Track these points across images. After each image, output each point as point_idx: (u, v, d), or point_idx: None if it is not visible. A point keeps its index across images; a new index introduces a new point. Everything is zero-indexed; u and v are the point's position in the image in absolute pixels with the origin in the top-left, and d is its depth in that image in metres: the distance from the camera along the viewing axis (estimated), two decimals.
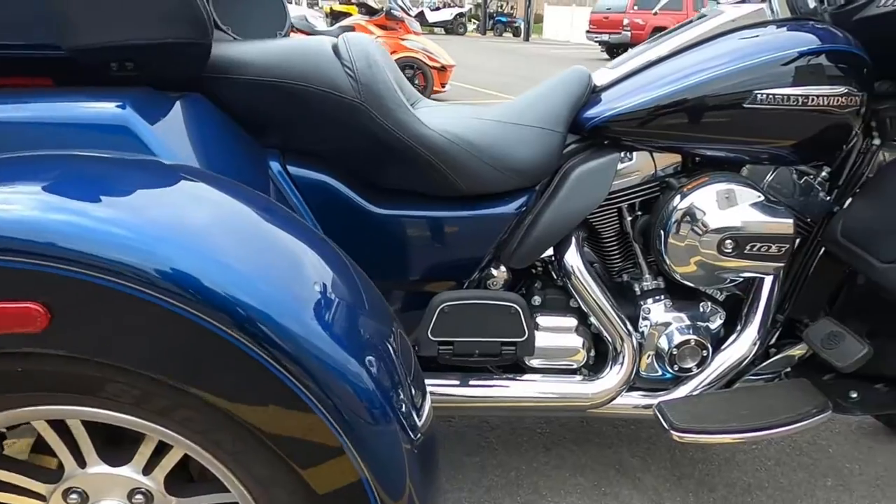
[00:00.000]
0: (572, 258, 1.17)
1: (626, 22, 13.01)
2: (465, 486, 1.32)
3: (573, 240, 1.19)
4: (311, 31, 6.93)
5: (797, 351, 1.25)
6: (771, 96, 1.03)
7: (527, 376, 1.22)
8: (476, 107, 1.22)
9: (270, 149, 1.05)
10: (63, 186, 0.68)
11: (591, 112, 1.15)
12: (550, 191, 1.16)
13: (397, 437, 0.73)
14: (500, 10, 28.87)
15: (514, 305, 1.09)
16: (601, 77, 1.21)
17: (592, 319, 1.20)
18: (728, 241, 1.10)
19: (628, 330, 1.19)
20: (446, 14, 25.72)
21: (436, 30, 25.07)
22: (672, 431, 1.12)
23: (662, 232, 1.14)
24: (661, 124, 1.10)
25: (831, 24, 1.15)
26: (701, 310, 1.23)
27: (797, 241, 1.25)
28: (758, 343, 1.21)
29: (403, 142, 1.02)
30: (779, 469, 1.41)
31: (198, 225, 0.69)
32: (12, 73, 0.87)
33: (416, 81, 6.83)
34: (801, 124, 1.06)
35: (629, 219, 1.22)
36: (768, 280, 1.22)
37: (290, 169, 1.05)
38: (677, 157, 1.18)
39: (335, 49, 1.04)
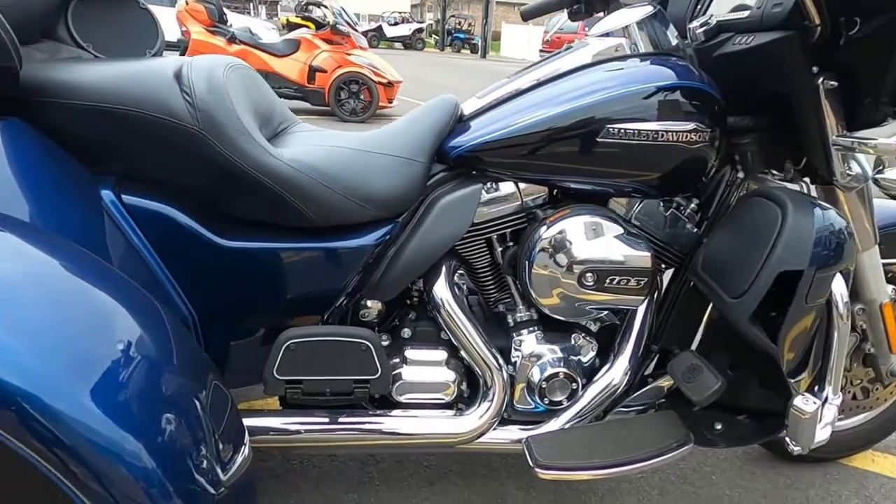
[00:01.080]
0: (441, 290, 1.15)
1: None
2: None
3: (443, 271, 1.16)
4: (254, 45, 6.83)
5: (665, 382, 1.24)
6: (622, 130, 1.03)
7: (397, 412, 1.18)
8: (345, 134, 1.19)
9: (105, 176, 0.99)
10: None
11: (455, 141, 1.13)
12: (414, 222, 1.13)
13: (190, 500, 0.68)
14: (458, 26, 29.21)
15: (365, 342, 1.05)
16: (469, 106, 1.19)
17: (462, 352, 1.17)
18: (588, 274, 1.09)
19: (498, 363, 1.17)
20: (405, 29, 25.86)
21: (395, 45, 25.18)
22: (535, 468, 1.10)
23: (526, 263, 1.12)
24: (521, 155, 1.09)
25: (694, 60, 1.17)
26: (573, 342, 1.22)
27: (664, 272, 1.25)
28: (629, 374, 1.21)
29: (246, 171, 0.97)
30: (661, 498, 1.41)
31: None
32: None
33: (362, 97, 6.80)
34: (651, 159, 1.06)
35: (499, 249, 1.20)
36: (641, 310, 1.22)
37: (126, 199, 0.99)
38: (544, 189, 1.17)
39: (178, 73, 0.99)
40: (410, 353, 1.18)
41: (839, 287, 1.03)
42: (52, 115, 0.93)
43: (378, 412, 1.16)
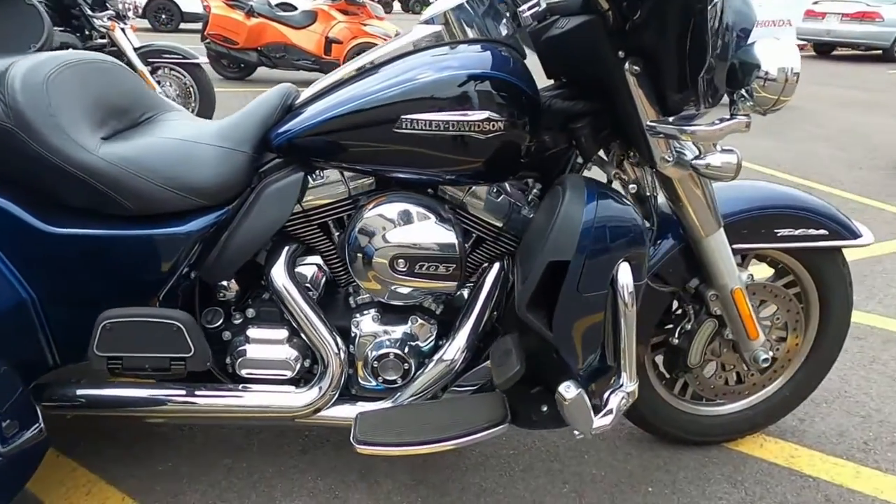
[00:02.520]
0: (277, 272, 1.21)
1: None
2: (202, 487, 1.37)
3: (282, 254, 1.22)
4: (272, 17, 6.91)
5: None
6: (414, 121, 1.05)
7: (242, 386, 1.26)
8: (189, 125, 1.25)
9: None
10: None
11: (278, 130, 1.17)
12: (244, 209, 1.18)
13: None
14: None
15: (176, 322, 1.13)
16: (303, 95, 1.22)
17: (300, 332, 1.23)
18: (399, 260, 1.13)
19: (336, 342, 1.22)
20: None
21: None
22: (354, 443, 1.16)
23: (346, 248, 1.16)
24: (333, 143, 1.12)
25: (521, 47, 1.16)
26: (409, 323, 1.25)
27: (503, 257, 1.26)
28: (465, 353, 1.23)
29: (58, 165, 1.05)
30: (523, 475, 1.45)
31: None
32: None
33: None
34: (448, 148, 1.07)
35: (336, 235, 1.24)
36: (483, 293, 1.24)
37: None
38: (371, 177, 1.19)
39: (1, 74, 1.07)
40: (252, 332, 1.25)
41: (625, 275, 1.02)
42: None
43: (219, 387, 1.24)
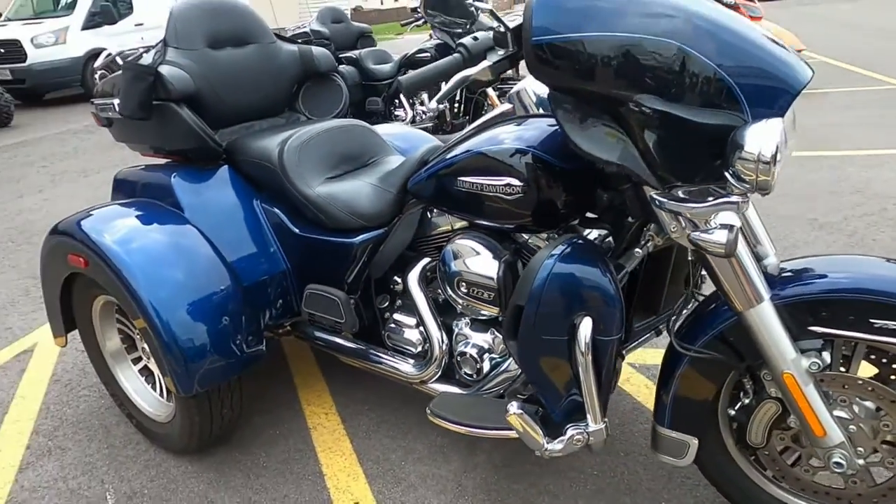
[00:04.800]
0: (412, 278, 1.69)
1: None
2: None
3: (419, 265, 1.70)
4: None
5: None
6: (464, 182, 1.38)
7: (385, 351, 1.79)
8: (382, 167, 1.83)
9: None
10: None
11: (412, 178, 1.64)
12: (392, 231, 1.71)
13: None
14: None
15: (336, 298, 1.71)
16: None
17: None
18: (461, 282, 1.48)
19: (441, 336, 1.65)
20: None
21: None
22: (427, 410, 1.57)
23: (438, 268, 1.57)
24: (433, 191, 1.52)
25: None
26: (488, 333, 1.57)
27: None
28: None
29: (294, 194, 1.77)
30: (590, 495, 1.59)
31: None
32: None
33: None
34: (486, 204, 1.35)
35: None
36: None
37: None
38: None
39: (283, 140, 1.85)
40: (397, 316, 1.77)
41: (584, 328, 1.13)
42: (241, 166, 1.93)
43: (373, 348, 1.80)
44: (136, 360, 1.98)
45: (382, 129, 2.16)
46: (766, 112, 1.02)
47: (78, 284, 1.86)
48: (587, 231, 1.39)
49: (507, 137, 1.34)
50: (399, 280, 1.75)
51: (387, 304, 1.82)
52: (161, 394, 1.91)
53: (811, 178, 3.87)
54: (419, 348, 1.72)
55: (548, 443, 1.24)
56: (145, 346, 1.82)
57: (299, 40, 2.43)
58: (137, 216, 1.75)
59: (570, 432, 1.22)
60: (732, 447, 1.37)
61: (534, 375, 1.26)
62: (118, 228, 1.68)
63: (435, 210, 1.63)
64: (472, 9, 1.22)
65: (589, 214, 1.40)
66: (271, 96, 2.16)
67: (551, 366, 1.23)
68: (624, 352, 1.55)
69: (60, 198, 4.80)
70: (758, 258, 1.31)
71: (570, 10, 1.04)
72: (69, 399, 2.20)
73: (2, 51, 9.36)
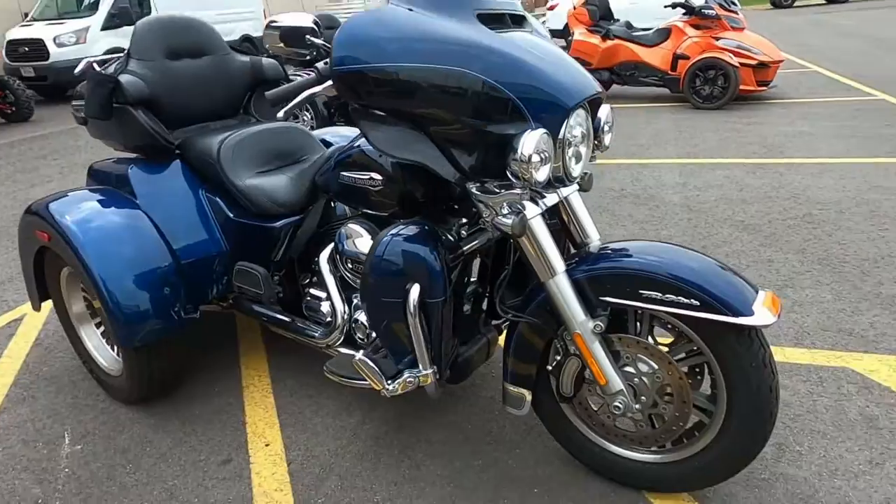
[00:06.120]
0: (323, 257, 2.00)
1: None
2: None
3: (329, 247, 2.01)
4: (626, 38, 7.37)
5: None
6: (343, 176, 1.69)
7: (302, 320, 2.10)
8: (305, 164, 2.15)
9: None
10: None
11: (318, 172, 1.95)
12: (307, 217, 2.02)
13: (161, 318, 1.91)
14: None
15: (257, 273, 2.03)
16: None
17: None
18: (347, 261, 1.79)
19: (343, 307, 1.95)
20: None
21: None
22: (324, 367, 1.87)
23: (335, 251, 1.88)
24: (327, 185, 1.83)
25: None
26: None
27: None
28: None
29: (227, 185, 2.09)
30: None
31: None
32: None
33: (719, 82, 6.56)
34: (358, 196, 1.67)
35: None
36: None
37: None
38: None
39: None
40: (311, 290, 2.08)
41: (413, 293, 1.44)
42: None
43: (293, 317, 2.11)
44: (99, 324, 2.32)
45: (328, 130, 2.48)
46: (548, 122, 1.31)
47: (48, 258, 2.21)
48: (463, 221, 1.68)
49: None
50: (316, 260, 2.06)
51: (308, 280, 2.14)
52: (116, 352, 2.25)
53: (754, 184, 4.10)
54: (328, 318, 2.03)
55: (388, 384, 1.54)
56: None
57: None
58: (96, 201, 2.08)
59: (404, 375, 1.52)
60: (556, 398, 1.65)
61: (379, 330, 1.56)
62: (78, 210, 2.02)
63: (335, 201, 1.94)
64: (310, 43, 1.51)
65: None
66: (225, 101, 2.49)
67: (390, 323, 1.52)
68: (493, 323, 1.85)
69: (67, 187, 5.21)
70: (583, 241, 1.60)
71: (364, 45, 1.35)
72: (47, 359, 2.55)
73: (26, 49, 9.91)
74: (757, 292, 1.36)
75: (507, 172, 1.31)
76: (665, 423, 1.50)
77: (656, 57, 7.17)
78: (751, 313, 1.30)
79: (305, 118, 5.00)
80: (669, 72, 7.04)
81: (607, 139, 1.62)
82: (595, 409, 1.61)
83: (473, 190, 1.43)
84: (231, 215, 2.16)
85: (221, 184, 2.12)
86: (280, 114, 1.55)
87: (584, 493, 1.65)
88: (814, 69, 8.68)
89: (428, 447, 1.88)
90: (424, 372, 1.52)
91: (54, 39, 9.94)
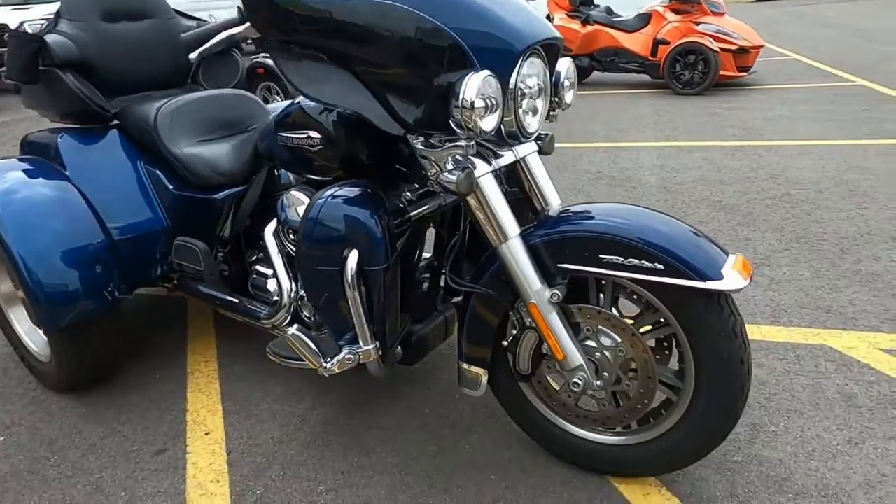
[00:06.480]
0: (268, 231, 1.85)
1: None
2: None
3: (274, 220, 1.86)
4: (606, 23, 7.26)
5: None
6: (281, 137, 1.54)
7: (248, 299, 1.95)
8: (252, 133, 1.99)
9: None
10: None
11: (260, 137, 1.79)
12: (250, 188, 1.87)
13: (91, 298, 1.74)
14: None
15: (196, 248, 1.88)
16: None
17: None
18: (289, 231, 1.64)
19: (290, 284, 1.80)
20: None
21: None
22: (267, 348, 1.73)
23: (277, 221, 1.73)
24: (270, 151, 1.68)
25: None
26: None
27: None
28: None
29: (164, 154, 1.93)
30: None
31: None
32: None
33: (699, 67, 6.47)
34: (296, 158, 1.52)
35: None
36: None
37: None
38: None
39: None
40: (257, 267, 1.93)
41: (351, 259, 1.29)
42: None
43: (239, 296, 1.96)
44: None
45: (287, 102, 2.33)
46: (496, 67, 1.18)
47: None
48: (416, 186, 1.54)
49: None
50: (262, 234, 1.91)
51: (255, 258, 1.98)
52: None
53: (733, 165, 4.00)
54: (275, 297, 1.87)
55: (325, 363, 1.40)
56: None
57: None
58: (20, 171, 1.91)
59: (343, 352, 1.38)
60: (514, 377, 1.52)
61: (316, 302, 1.42)
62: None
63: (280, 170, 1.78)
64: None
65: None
66: (169, 68, 2.32)
67: (327, 294, 1.38)
68: (454, 301, 1.71)
69: None
70: (543, 208, 1.47)
71: None
72: None
73: None
74: (727, 255, 1.24)
75: (451, 122, 1.17)
76: (630, 401, 1.38)
77: (636, 42, 7.07)
78: (719, 277, 1.18)
79: (277, 100, 4.75)
80: (649, 57, 6.95)
81: (569, 96, 1.49)
82: (556, 388, 1.48)
83: (417, 145, 1.29)
84: (171, 188, 2.00)
85: (159, 153, 1.96)
86: (193, 55, 1.41)
87: (545, 479, 1.53)
88: (793, 57, 8.65)
89: (380, 433, 1.74)
90: (365, 348, 1.38)
91: (20, 25, 9.59)
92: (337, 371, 1.39)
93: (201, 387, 2.03)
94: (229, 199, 1.89)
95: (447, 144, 1.22)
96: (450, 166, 1.24)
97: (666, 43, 6.73)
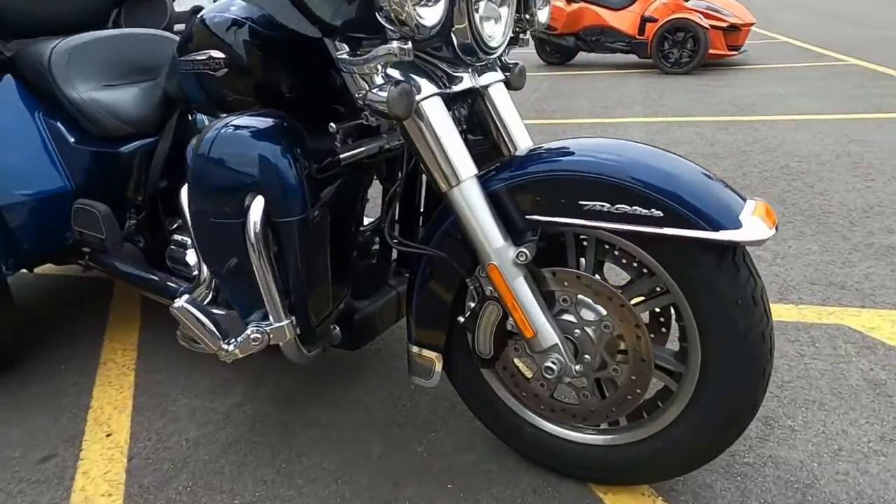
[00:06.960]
0: (183, 192, 1.54)
1: None
2: None
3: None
4: (590, 1, 6.97)
5: None
6: (183, 62, 1.22)
7: (163, 274, 1.62)
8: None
9: None
10: None
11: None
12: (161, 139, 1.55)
13: None
14: None
15: (97, 211, 1.55)
16: None
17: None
18: None
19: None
20: None
21: None
22: (177, 332, 1.41)
23: None
24: (181, 91, 1.36)
25: None
26: None
27: None
28: None
29: (60, 99, 1.60)
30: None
31: None
32: None
33: (688, 45, 6.21)
34: (199, 88, 1.22)
35: None
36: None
37: None
38: None
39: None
40: (175, 236, 1.61)
41: (255, 208, 0.98)
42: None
43: (154, 271, 1.64)
44: None
45: None
46: None
47: None
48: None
49: (221, 7, 1.18)
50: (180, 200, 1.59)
51: (175, 226, 1.66)
52: None
53: (728, 139, 3.74)
54: (194, 270, 1.56)
55: (224, 345, 1.09)
56: None
57: None
58: None
59: (248, 330, 1.07)
60: (476, 363, 1.22)
61: (212, 265, 1.11)
62: None
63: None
64: None
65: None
66: (85, 9, 1.98)
67: (227, 253, 1.07)
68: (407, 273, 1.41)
69: None
70: (511, 151, 1.17)
71: None
72: None
73: None
74: (745, 201, 0.95)
75: (380, 17, 0.87)
76: (618, 391, 1.08)
77: (623, 21, 6.79)
78: (737, 225, 0.89)
79: None
80: (637, 36, 6.67)
81: (542, 15, 1.20)
82: (526, 375, 1.19)
83: (341, 55, 0.97)
84: (72, 141, 1.67)
85: (55, 98, 1.63)
86: None
87: (514, 487, 1.23)
88: (784, 40, 8.44)
89: (317, 432, 1.44)
90: (276, 325, 1.06)
91: None
92: (240, 355, 1.08)
93: (112, 379, 1.71)
94: (138, 153, 1.57)
95: (377, 50, 0.91)
96: (379, 80, 0.93)
97: (654, 20, 6.46)
